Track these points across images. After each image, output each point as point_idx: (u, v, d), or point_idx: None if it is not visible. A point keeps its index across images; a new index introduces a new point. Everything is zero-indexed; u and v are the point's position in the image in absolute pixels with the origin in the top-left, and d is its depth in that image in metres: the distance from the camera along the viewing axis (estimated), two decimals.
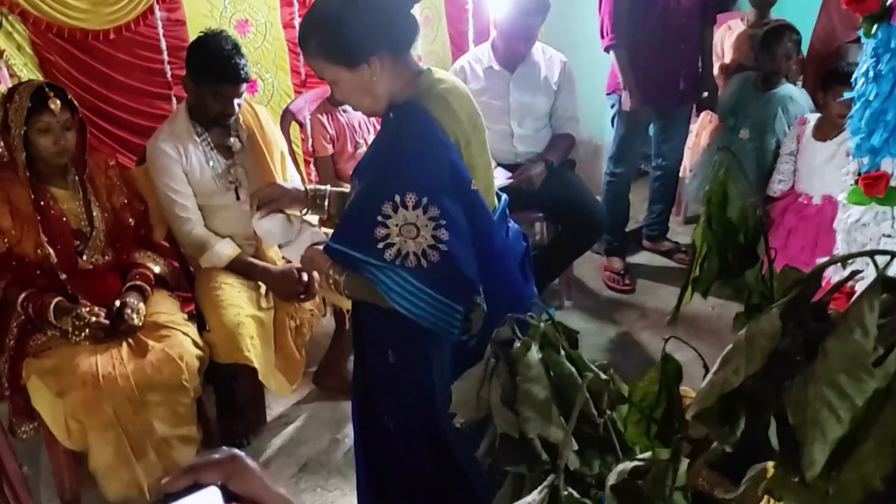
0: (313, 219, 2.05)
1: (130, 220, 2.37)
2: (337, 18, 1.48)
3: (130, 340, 2.21)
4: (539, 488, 0.70)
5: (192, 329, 2.35)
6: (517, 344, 0.95)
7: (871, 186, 1.68)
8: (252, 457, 0.54)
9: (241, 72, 2.33)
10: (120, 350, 2.17)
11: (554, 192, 3.07)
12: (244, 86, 2.39)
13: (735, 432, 0.69)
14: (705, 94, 3.52)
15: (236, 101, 2.40)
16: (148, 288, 2.33)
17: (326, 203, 1.82)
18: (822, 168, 3.08)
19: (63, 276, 2.20)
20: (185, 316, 2.43)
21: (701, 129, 3.90)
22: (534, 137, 3.20)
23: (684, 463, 0.75)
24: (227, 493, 0.52)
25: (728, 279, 0.72)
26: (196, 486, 0.52)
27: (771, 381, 0.65)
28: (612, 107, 3.52)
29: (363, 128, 2.96)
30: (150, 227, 2.47)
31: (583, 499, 0.69)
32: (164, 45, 2.96)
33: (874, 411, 0.57)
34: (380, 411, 1.75)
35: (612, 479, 0.76)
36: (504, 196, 1.76)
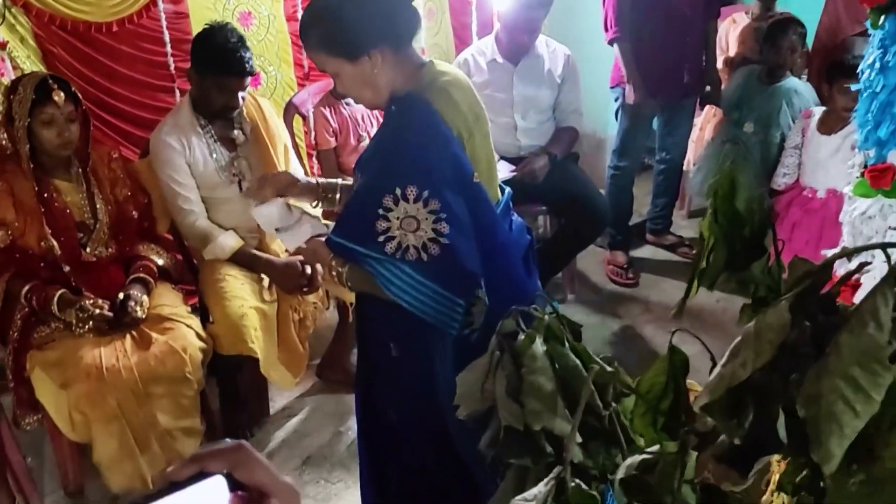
0: (316, 211, 2.05)
1: (134, 212, 2.37)
2: (337, 11, 1.47)
3: (134, 333, 2.21)
4: (546, 480, 0.70)
5: (195, 321, 2.35)
6: (522, 336, 0.94)
7: (878, 179, 1.67)
8: (255, 449, 0.54)
9: (247, 65, 2.33)
10: (123, 342, 2.17)
11: (557, 186, 3.07)
12: (249, 79, 2.39)
13: (743, 425, 0.68)
14: (708, 87, 3.51)
15: (240, 93, 2.39)
16: (151, 280, 2.33)
17: (338, 196, 1.83)
18: (827, 161, 3.07)
19: (67, 269, 2.20)
20: (189, 308, 2.42)
21: (705, 122, 3.88)
22: (537, 130, 3.20)
23: (692, 456, 0.75)
24: (233, 482, 0.52)
25: (734, 271, 0.71)
26: (201, 475, 0.51)
27: (779, 373, 0.65)
28: (616, 100, 3.50)
29: (366, 121, 2.96)
30: (153, 220, 2.47)
31: (589, 490, 0.69)
32: (167, 38, 2.95)
33: (894, 405, 0.57)
34: (382, 404, 1.75)
35: (620, 473, 0.76)
36: (508, 189, 1.75)
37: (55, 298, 2.14)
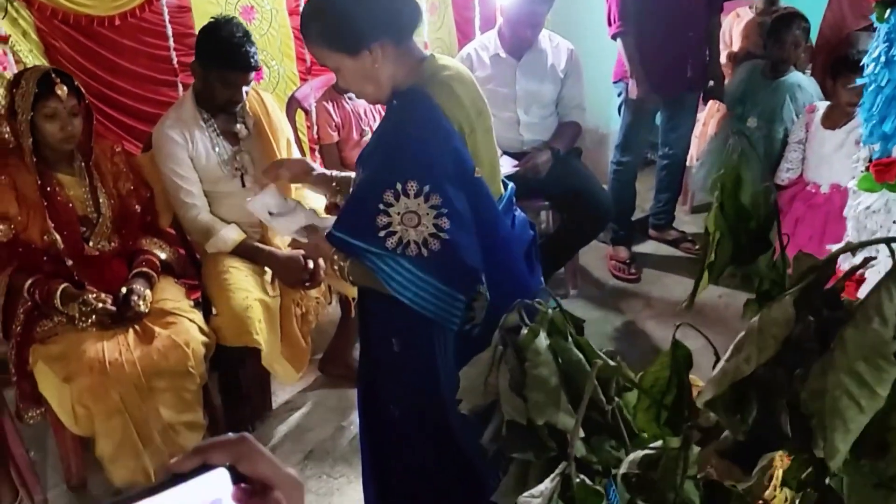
0: (319, 205, 2.04)
1: (137, 206, 2.37)
2: (338, 5, 1.47)
3: (137, 327, 2.22)
4: (551, 476, 0.70)
5: (197, 316, 2.35)
6: (525, 330, 0.94)
7: (883, 173, 1.67)
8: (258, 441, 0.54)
9: (251, 60, 2.33)
10: (126, 336, 2.17)
11: (560, 181, 3.06)
12: (253, 73, 2.39)
13: (746, 421, 0.68)
14: (711, 82, 3.50)
15: (244, 88, 2.39)
16: (154, 275, 2.33)
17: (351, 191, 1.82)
18: (831, 156, 3.06)
19: (69, 263, 2.20)
20: (191, 303, 2.43)
21: (708, 117, 3.88)
22: (540, 125, 3.19)
23: (695, 451, 0.75)
24: (236, 475, 0.52)
25: (740, 265, 0.71)
26: (204, 468, 0.51)
27: (783, 369, 0.64)
28: (619, 95, 3.50)
29: (369, 115, 2.95)
30: (156, 214, 2.47)
31: (594, 486, 0.69)
32: (169, 32, 2.95)
33: None
34: (385, 399, 1.75)
35: (622, 468, 0.76)
36: (511, 185, 1.75)
37: (58, 292, 2.14)
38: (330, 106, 2.89)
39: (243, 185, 2.50)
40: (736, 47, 3.85)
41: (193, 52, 2.42)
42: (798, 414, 0.61)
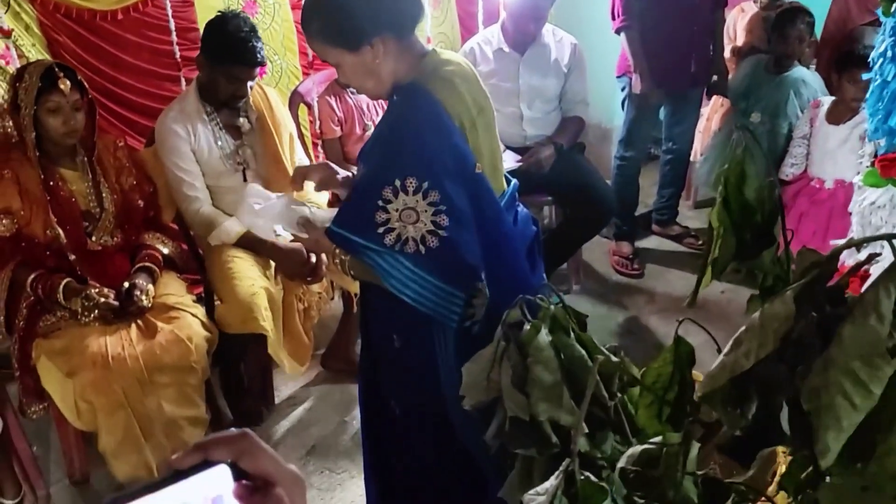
0: (322, 200, 2.04)
1: (139, 201, 2.37)
2: (338, 1, 1.46)
3: (139, 322, 2.22)
4: (556, 474, 0.69)
5: (200, 311, 2.35)
6: (527, 326, 0.94)
7: (888, 168, 1.66)
8: (260, 438, 0.54)
9: (258, 55, 2.32)
10: (129, 331, 2.18)
11: (563, 176, 3.05)
12: (258, 68, 2.38)
13: (746, 416, 0.68)
14: (715, 77, 3.49)
15: (248, 83, 2.39)
16: (157, 269, 2.33)
17: None
18: (835, 152, 3.05)
19: (72, 257, 2.20)
20: (194, 297, 2.43)
21: (712, 112, 3.86)
22: (543, 120, 3.18)
23: (695, 448, 0.74)
24: (237, 471, 0.52)
25: (743, 261, 0.71)
26: (205, 464, 0.51)
27: (785, 365, 0.64)
28: (623, 90, 3.49)
29: (371, 110, 2.95)
30: (158, 209, 2.47)
31: (598, 482, 0.69)
32: (172, 26, 2.95)
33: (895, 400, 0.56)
34: (385, 395, 1.75)
35: (620, 463, 0.76)
36: (514, 181, 1.74)
37: (61, 287, 2.14)
38: (332, 100, 2.89)
39: (245, 180, 2.50)
40: (740, 42, 3.84)
41: (196, 46, 2.42)
42: (798, 411, 0.61)
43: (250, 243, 2.46)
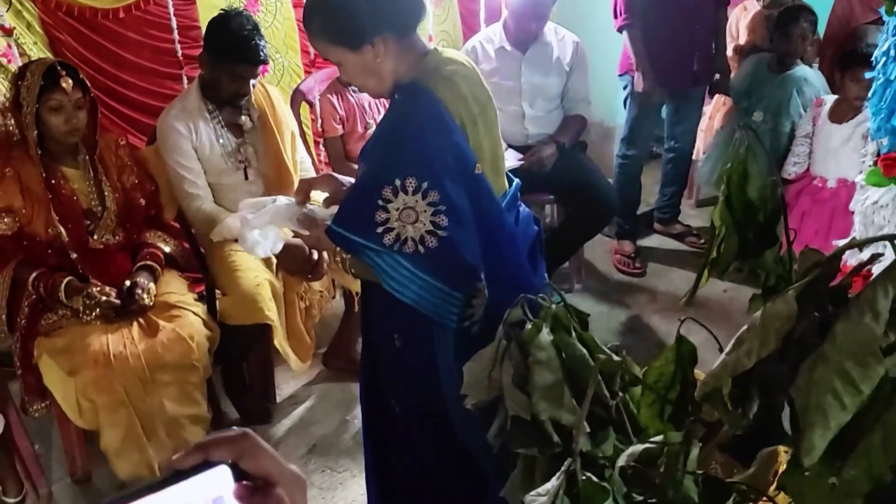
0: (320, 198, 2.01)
1: (141, 199, 2.37)
2: (340, 0, 1.46)
3: (141, 320, 2.22)
4: (557, 474, 0.69)
5: (201, 309, 2.35)
6: (528, 325, 0.94)
7: (891, 168, 1.65)
8: (261, 437, 0.54)
9: (261, 53, 2.32)
10: (131, 329, 2.18)
11: (565, 175, 3.05)
12: (261, 67, 2.38)
13: (748, 415, 0.68)
14: (717, 76, 3.48)
15: (251, 81, 2.39)
16: (158, 268, 2.34)
17: None
18: (838, 151, 3.05)
19: (74, 256, 2.20)
20: (195, 296, 2.43)
21: (714, 111, 3.86)
22: (545, 119, 3.18)
23: (696, 448, 0.74)
24: (238, 471, 0.51)
25: (746, 259, 0.71)
26: (206, 464, 0.51)
27: (787, 364, 0.64)
28: (625, 88, 3.48)
29: (373, 108, 2.95)
30: (160, 207, 2.47)
31: (600, 482, 0.69)
32: (174, 25, 2.94)
33: (883, 400, 0.56)
34: (386, 394, 1.75)
35: (620, 462, 0.76)
36: (516, 181, 1.73)
37: (62, 285, 2.14)
38: (334, 99, 2.89)
39: (246, 178, 2.50)
40: (742, 40, 3.83)
41: (198, 44, 2.42)
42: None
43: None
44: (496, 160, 1.64)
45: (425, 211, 1.40)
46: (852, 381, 0.55)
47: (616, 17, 3.26)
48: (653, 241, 3.88)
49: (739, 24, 3.88)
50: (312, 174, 2.69)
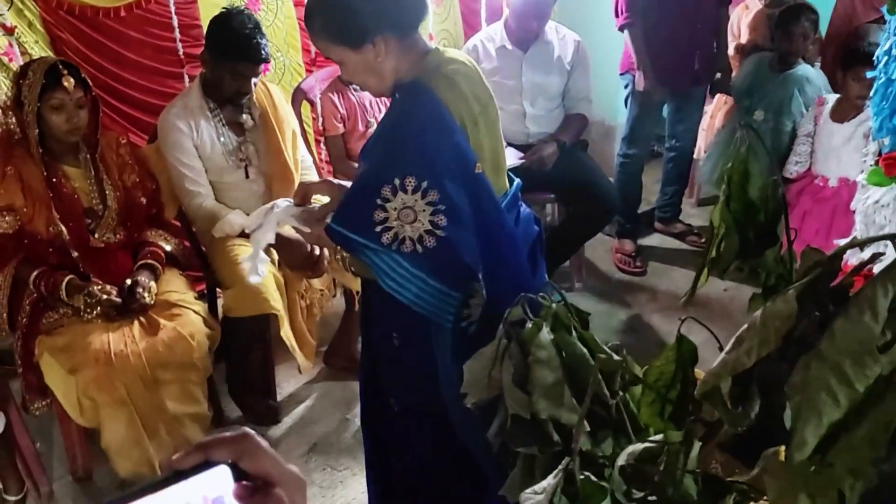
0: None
1: (142, 198, 2.37)
2: None
3: (142, 319, 2.22)
4: (554, 472, 0.69)
5: (202, 308, 2.35)
6: (529, 324, 0.94)
7: (892, 167, 1.65)
8: (262, 435, 0.54)
9: (262, 52, 2.32)
10: (132, 328, 2.18)
11: (566, 174, 3.05)
12: (262, 65, 2.38)
13: (749, 415, 0.68)
14: (719, 75, 3.48)
15: (252, 79, 2.39)
16: (159, 266, 2.34)
17: None
18: (839, 150, 3.04)
19: (75, 254, 2.20)
20: (196, 295, 2.43)
21: (716, 110, 3.85)
22: (546, 118, 3.18)
23: (696, 447, 0.74)
24: (238, 472, 0.51)
25: (747, 259, 0.70)
26: (206, 464, 0.51)
27: (788, 364, 0.64)
28: (626, 87, 3.48)
29: (374, 107, 2.95)
30: (161, 206, 2.47)
31: (599, 481, 0.69)
32: (175, 23, 2.94)
33: (873, 397, 0.56)
34: (385, 393, 1.75)
35: (620, 461, 0.76)
36: (517, 181, 1.73)
37: (63, 284, 2.15)
38: (335, 97, 2.89)
39: (247, 176, 2.50)
40: (744, 39, 3.82)
41: (199, 43, 2.42)
42: None
43: None
44: (497, 160, 1.64)
45: (424, 210, 1.39)
46: (848, 380, 0.55)
47: (617, 15, 3.26)
48: (654, 240, 3.88)
49: (741, 23, 3.87)
50: (314, 173, 2.69)
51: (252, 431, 0.54)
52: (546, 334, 0.90)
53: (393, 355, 1.66)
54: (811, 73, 3.40)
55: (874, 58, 1.73)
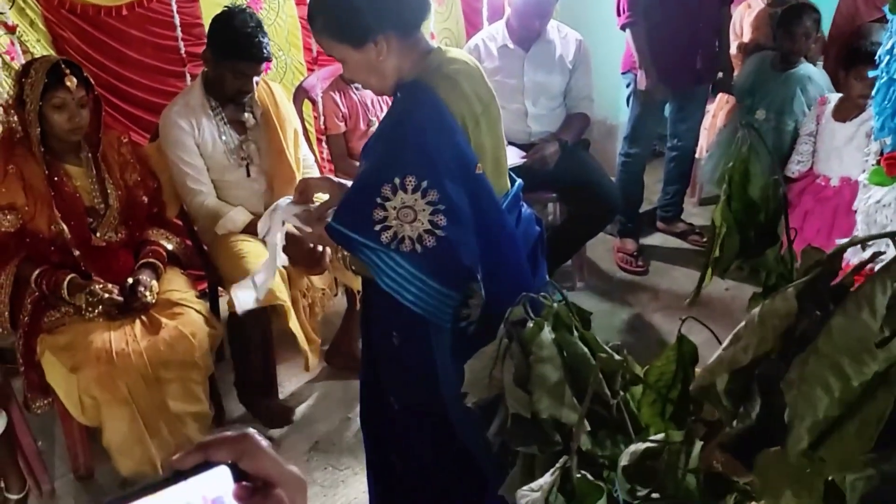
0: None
1: (143, 197, 2.37)
2: None
3: (143, 317, 2.22)
4: (551, 470, 0.69)
5: (204, 307, 2.35)
6: (530, 324, 0.94)
7: (894, 167, 1.65)
8: (263, 434, 0.54)
9: (264, 51, 2.32)
10: (133, 327, 2.18)
11: (568, 173, 3.05)
12: (264, 64, 2.38)
13: (750, 414, 0.67)
14: (721, 74, 3.48)
15: (255, 78, 2.39)
16: (161, 265, 2.34)
17: None
18: (841, 149, 3.04)
19: (77, 253, 2.21)
20: (197, 293, 2.43)
21: (717, 109, 3.85)
22: (548, 117, 3.18)
23: (697, 445, 0.74)
24: (238, 472, 0.51)
25: (748, 259, 0.70)
26: (206, 464, 0.51)
27: (787, 363, 0.64)
28: (628, 86, 3.48)
29: (375, 105, 2.95)
30: (162, 205, 2.47)
31: (595, 481, 0.69)
32: (177, 22, 2.95)
33: (868, 393, 0.56)
34: (385, 392, 1.75)
35: (623, 460, 0.75)
36: (518, 181, 1.73)
37: (65, 283, 2.15)
38: (337, 96, 2.89)
39: (248, 175, 2.50)
40: (746, 38, 3.82)
41: (201, 42, 2.42)
42: None
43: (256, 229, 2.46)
44: (498, 159, 1.64)
45: (424, 210, 1.39)
46: (845, 376, 0.55)
47: (619, 14, 3.25)
48: (655, 239, 3.87)
49: (743, 22, 3.87)
50: (315, 171, 2.69)
51: (253, 432, 0.54)
52: (547, 334, 0.90)
53: (393, 355, 1.66)
54: (813, 73, 3.40)
55: (876, 57, 1.73)
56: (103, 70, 2.82)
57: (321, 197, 1.69)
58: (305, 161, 2.64)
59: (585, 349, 0.89)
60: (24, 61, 2.48)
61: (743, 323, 0.64)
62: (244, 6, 2.40)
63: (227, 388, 2.66)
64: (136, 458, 2.13)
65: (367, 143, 1.62)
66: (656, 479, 0.74)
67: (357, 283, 2.54)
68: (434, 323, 1.48)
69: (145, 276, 2.25)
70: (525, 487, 0.69)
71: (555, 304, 0.95)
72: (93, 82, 2.22)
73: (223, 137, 2.46)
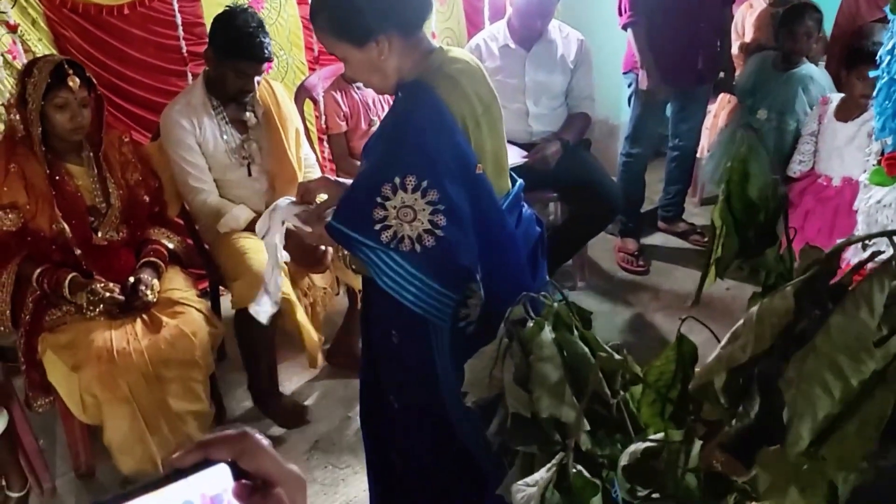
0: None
1: (145, 196, 2.37)
2: None
3: (145, 316, 2.23)
4: (548, 466, 0.69)
5: (205, 306, 2.36)
6: (530, 323, 0.94)
7: (894, 167, 1.65)
8: (264, 433, 0.54)
9: (265, 50, 2.33)
10: (134, 326, 2.18)
11: (569, 172, 3.05)
12: (266, 64, 2.38)
13: (749, 413, 0.68)
14: (722, 74, 3.47)
15: (256, 78, 2.39)
16: (162, 264, 2.34)
17: None
18: (843, 149, 3.03)
19: (78, 252, 2.21)
20: (199, 293, 2.43)
21: (719, 109, 3.85)
22: (549, 116, 3.18)
23: (697, 445, 0.74)
24: (237, 471, 0.52)
25: (747, 258, 0.70)
26: (206, 463, 0.51)
27: (787, 361, 0.64)
28: (629, 86, 3.48)
29: (377, 105, 2.95)
30: (164, 204, 2.47)
31: (592, 478, 0.69)
32: (179, 21, 2.95)
33: (867, 391, 0.56)
34: (385, 391, 1.75)
35: (623, 460, 0.76)
36: (519, 181, 1.73)
37: (66, 281, 2.15)
38: (338, 95, 2.89)
39: (250, 174, 2.50)
40: (748, 38, 3.81)
41: (203, 41, 2.43)
42: None
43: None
44: (499, 160, 1.64)
45: (424, 210, 1.39)
46: (843, 375, 0.55)
47: (621, 14, 3.25)
48: (656, 239, 3.87)
49: (745, 22, 3.86)
50: (317, 171, 2.69)
51: (252, 431, 0.54)
52: (548, 333, 0.90)
53: (392, 354, 1.66)
54: (815, 72, 3.39)
55: (877, 57, 1.73)
56: (105, 69, 2.82)
57: (321, 197, 1.70)
58: (307, 160, 2.64)
59: (586, 349, 0.89)
60: (25, 60, 2.48)
61: (741, 321, 0.64)
62: (246, 6, 2.41)
63: (228, 387, 2.67)
64: (137, 456, 2.13)
65: (367, 143, 1.62)
66: (656, 479, 0.74)
67: (358, 282, 2.54)
68: (434, 323, 1.49)
69: (146, 275, 2.25)
70: (521, 482, 0.69)
71: (555, 304, 0.95)
72: (95, 82, 2.22)
73: (224, 137, 2.46)
